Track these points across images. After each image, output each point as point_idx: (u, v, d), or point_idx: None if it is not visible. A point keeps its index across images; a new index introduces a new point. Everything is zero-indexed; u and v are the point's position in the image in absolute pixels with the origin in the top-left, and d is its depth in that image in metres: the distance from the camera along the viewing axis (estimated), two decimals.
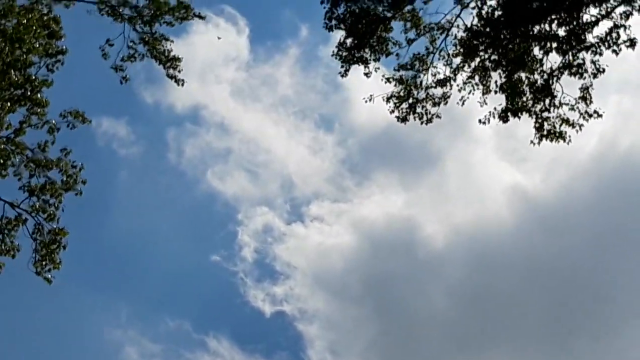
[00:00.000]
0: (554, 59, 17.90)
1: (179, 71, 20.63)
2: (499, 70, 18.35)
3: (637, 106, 33.28)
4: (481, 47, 18.21)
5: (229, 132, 42.05)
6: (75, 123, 18.20)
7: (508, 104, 18.49)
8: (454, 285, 38.50)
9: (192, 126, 41.13)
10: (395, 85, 19.72)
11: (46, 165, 17.98)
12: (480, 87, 18.96)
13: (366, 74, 19.54)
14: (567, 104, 18.31)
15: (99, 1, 20.24)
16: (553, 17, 17.14)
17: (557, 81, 18.14)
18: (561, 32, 17.32)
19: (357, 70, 19.59)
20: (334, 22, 18.98)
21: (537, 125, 18.50)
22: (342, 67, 19.49)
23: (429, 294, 38.73)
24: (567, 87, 18.25)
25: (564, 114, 18.35)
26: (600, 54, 17.47)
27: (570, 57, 17.65)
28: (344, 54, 19.34)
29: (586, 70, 17.73)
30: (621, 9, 17.04)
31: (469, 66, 18.91)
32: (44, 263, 17.83)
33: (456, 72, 19.27)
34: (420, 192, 44.10)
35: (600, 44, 17.30)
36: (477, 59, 18.58)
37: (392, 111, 19.78)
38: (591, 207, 38.30)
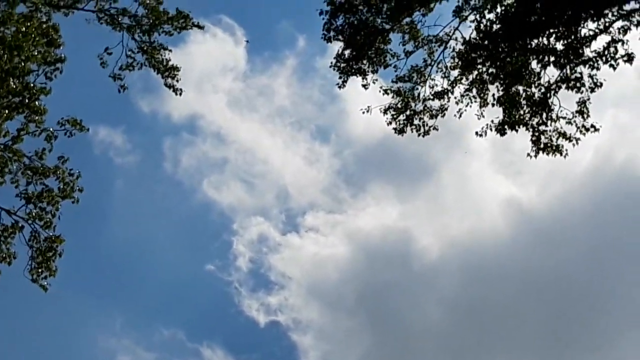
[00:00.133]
0: (551, 73, 17.98)
1: (177, 80, 20.72)
2: (497, 83, 18.38)
3: (634, 120, 33.36)
4: (479, 60, 18.23)
5: (226, 142, 42.03)
6: (73, 131, 18.19)
7: (505, 116, 18.52)
8: (449, 297, 38.41)
9: (188, 136, 41.13)
10: (392, 97, 19.81)
11: (43, 172, 17.95)
12: (478, 99, 19.01)
13: (364, 86, 19.63)
14: (564, 118, 18.38)
15: (98, 10, 20.32)
16: (551, 31, 17.16)
17: (554, 95, 18.18)
18: (559, 46, 17.35)
19: (354, 81, 19.68)
20: (332, 33, 19.05)
21: (533, 138, 18.53)
22: (340, 78, 19.58)
23: (424, 305, 38.63)
24: (565, 101, 18.35)
25: (561, 128, 18.42)
26: (598, 69, 17.49)
27: (568, 71, 17.67)
28: (342, 65, 19.40)
29: (583, 85, 17.76)
30: (619, 23, 17.09)
31: (467, 79, 18.98)
32: (40, 270, 17.77)
33: (454, 85, 19.34)
34: (416, 204, 44.07)
35: (597, 58, 17.32)
36: (475, 72, 18.62)
37: (390, 123, 19.86)
38: (587, 220, 38.31)
